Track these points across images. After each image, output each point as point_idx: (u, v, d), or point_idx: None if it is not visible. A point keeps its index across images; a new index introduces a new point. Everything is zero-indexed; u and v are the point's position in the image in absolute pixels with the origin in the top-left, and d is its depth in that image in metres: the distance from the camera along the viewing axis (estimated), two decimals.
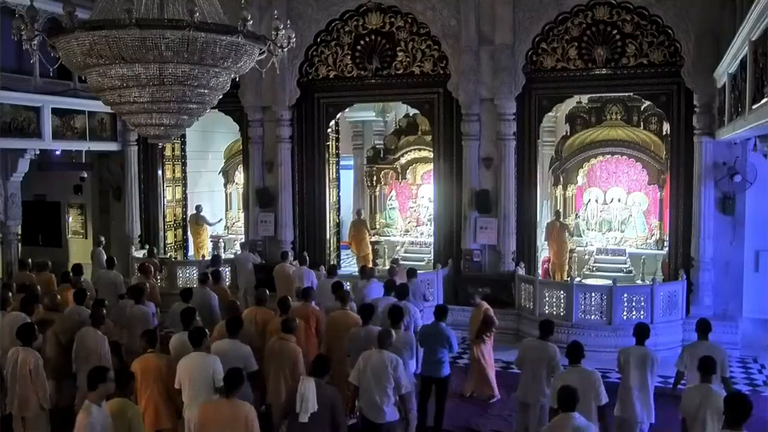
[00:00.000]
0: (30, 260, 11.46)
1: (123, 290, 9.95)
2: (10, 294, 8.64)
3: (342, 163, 15.72)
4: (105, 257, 12.90)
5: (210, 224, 16.12)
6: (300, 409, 5.36)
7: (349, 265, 16.17)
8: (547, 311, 11.10)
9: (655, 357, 6.71)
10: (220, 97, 7.23)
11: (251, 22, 6.59)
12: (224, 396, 5.24)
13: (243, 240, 14.52)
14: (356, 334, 7.22)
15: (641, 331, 6.77)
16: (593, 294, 10.89)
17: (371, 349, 6.38)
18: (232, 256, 13.98)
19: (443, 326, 7.55)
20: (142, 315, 8.36)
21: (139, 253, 13.99)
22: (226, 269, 12.49)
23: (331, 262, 13.46)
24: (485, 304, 9.03)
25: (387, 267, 12.09)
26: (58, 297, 8.58)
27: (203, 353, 6.11)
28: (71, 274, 10.23)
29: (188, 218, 15.99)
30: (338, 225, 15.08)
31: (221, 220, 16.90)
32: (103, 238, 13.93)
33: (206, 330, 6.56)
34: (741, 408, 4.49)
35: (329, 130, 14.10)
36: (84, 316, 7.90)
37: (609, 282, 11.31)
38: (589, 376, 5.97)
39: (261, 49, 6.88)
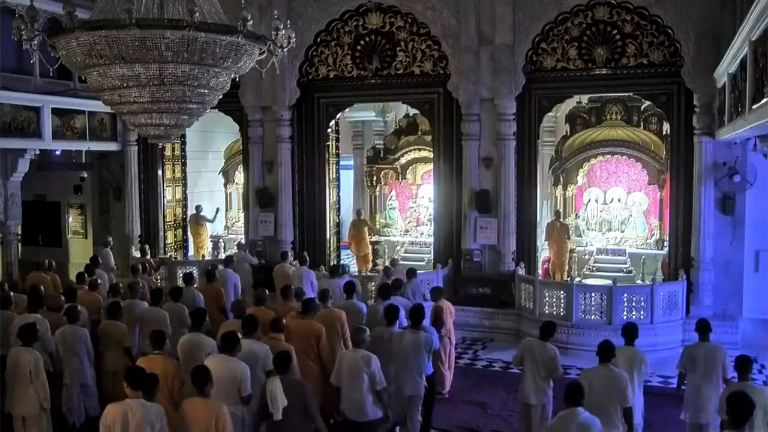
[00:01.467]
0: (47, 261, 11.21)
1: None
2: (12, 294, 8.67)
3: (342, 163, 15.70)
4: (112, 258, 12.93)
5: (211, 221, 16.08)
6: (272, 408, 5.40)
7: (350, 265, 16.13)
8: (547, 311, 11.11)
9: (643, 357, 6.67)
10: (220, 97, 7.22)
11: (251, 22, 6.59)
12: (199, 395, 5.22)
13: (240, 240, 14.51)
14: (380, 335, 7.27)
15: (630, 331, 6.75)
16: (593, 294, 10.90)
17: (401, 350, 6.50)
18: None
19: (425, 324, 7.52)
20: (160, 317, 8.28)
21: (139, 254, 13.99)
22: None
23: (331, 263, 13.49)
24: (440, 303, 8.81)
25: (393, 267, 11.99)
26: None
27: (231, 357, 5.99)
28: (86, 274, 10.20)
29: (188, 218, 15.99)
30: (338, 225, 15.06)
31: (218, 209, 16.74)
32: (110, 239, 13.87)
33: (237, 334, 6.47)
34: (745, 407, 4.45)
35: (329, 130, 14.10)
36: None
37: (609, 282, 11.31)
38: (616, 377, 5.91)
39: (261, 49, 6.88)
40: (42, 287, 8.99)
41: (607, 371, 5.97)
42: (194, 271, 10.19)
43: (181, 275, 13.43)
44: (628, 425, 5.86)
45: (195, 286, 9.68)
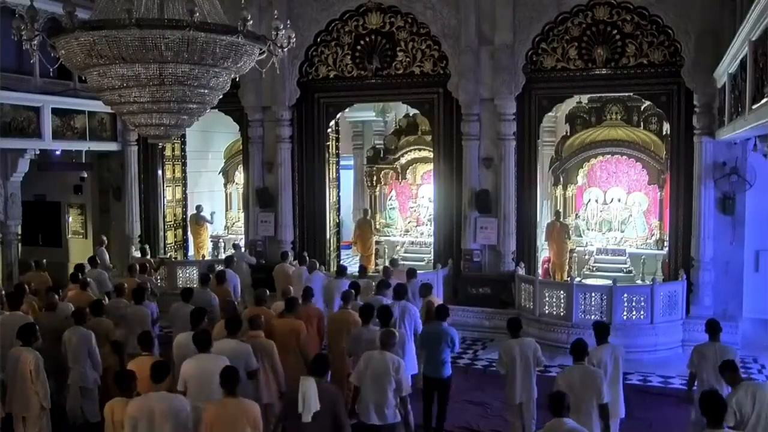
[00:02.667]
0: (45, 260, 11.27)
1: (109, 287, 9.91)
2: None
3: (342, 163, 15.69)
4: (108, 257, 12.93)
5: (210, 222, 16.14)
6: (302, 410, 5.32)
7: (349, 265, 16.11)
8: (547, 311, 11.11)
9: (620, 348, 6.83)
10: (220, 97, 7.24)
11: (251, 22, 6.59)
12: (229, 395, 5.24)
13: (236, 241, 14.50)
14: (358, 334, 7.25)
15: (602, 330, 6.77)
16: (593, 294, 10.89)
17: (372, 349, 6.37)
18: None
19: (446, 326, 7.52)
20: (141, 315, 8.37)
21: (138, 254, 13.99)
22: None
23: (331, 262, 13.49)
24: (430, 298, 8.97)
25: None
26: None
27: (213, 355, 6.02)
28: (79, 275, 10.20)
29: (188, 218, 16.00)
30: (338, 225, 15.06)
31: (213, 213, 16.78)
32: (105, 238, 13.90)
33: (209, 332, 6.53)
34: (717, 406, 4.62)
35: (329, 130, 14.09)
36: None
37: (609, 282, 11.30)
38: (591, 374, 6.00)
39: (261, 49, 6.89)
40: (32, 285, 9.02)
41: (584, 369, 6.06)
42: (211, 274, 10.12)
43: (181, 275, 13.52)
44: (603, 421, 5.93)
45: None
